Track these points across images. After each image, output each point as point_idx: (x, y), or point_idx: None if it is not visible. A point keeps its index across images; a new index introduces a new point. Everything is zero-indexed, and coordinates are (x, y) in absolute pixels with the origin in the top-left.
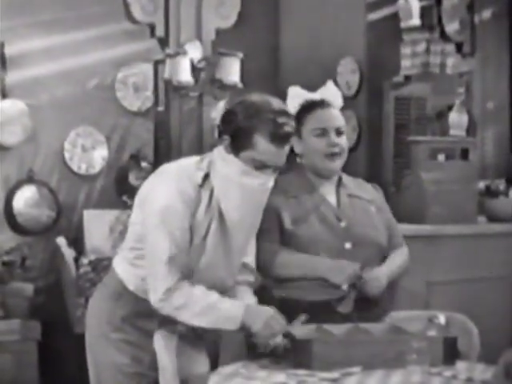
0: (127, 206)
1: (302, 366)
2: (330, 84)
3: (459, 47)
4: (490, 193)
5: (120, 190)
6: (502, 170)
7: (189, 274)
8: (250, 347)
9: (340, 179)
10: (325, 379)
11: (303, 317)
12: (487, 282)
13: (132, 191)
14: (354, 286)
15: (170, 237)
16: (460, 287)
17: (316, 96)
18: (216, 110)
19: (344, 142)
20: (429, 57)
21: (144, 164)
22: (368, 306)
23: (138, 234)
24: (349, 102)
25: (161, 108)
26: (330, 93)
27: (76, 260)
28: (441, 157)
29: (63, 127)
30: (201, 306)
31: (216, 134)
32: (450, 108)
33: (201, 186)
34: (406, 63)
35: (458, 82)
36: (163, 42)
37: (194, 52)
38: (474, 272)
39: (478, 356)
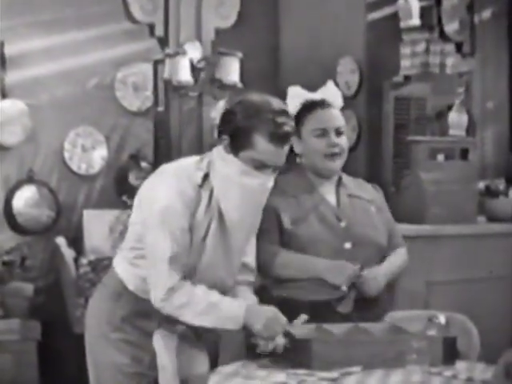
0: (127, 206)
1: (302, 366)
2: (330, 84)
3: (459, 47)
4: (489, 193)
5: (120, 189)
6: (501, 169)
7: (190, 274)
8: (250, 347)
9: (340, 179)
10: (324, 379)
11: (304, 317)
12: (487, 282)
13: (132, 191)
14: (354, 286)
15: (171, 236)
16: (460, 287)
17: (316, 96)
18: (216, 110)
19: (344, 142)
20: (428, 57)
21: (144, 164)
22: (368, 305)
23: (138, 233)
24: (348, 102)
25: (160, 108)
26: (331, 93)
27: (76, 260)
28: (440, 157)
29: (63, 127)
30: (202, 306)
31: (215, 134)
32: (449, 108)
33: (200, 186)
34: (405, 63)
35: (457, 82)
36: (163, 42)
37: (194, 52)
38: (473, 272)
39: (477, 356)
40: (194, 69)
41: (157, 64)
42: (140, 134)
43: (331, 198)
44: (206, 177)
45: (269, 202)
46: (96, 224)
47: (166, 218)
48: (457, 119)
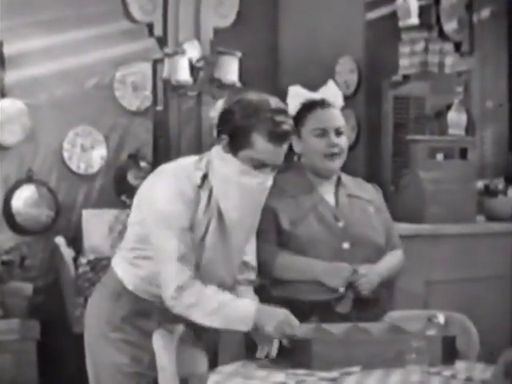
0: (126, 206)
1: (302, 366)
2: (330, 83)
3: (458, 46)
4: (488, 192)
5: (119, 189)
6: (500, 169)
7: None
8: (249, 347)
9: (339, 179)
10: (324, 379)
11: (313, 319)
12: (486, 282)
13: (131, 191)
14: (351, 287)
15: (175, 236)
16: (459, 286)
17: (317, 95)
18: (215, 110)
19: (344, 142)
20: (427, 56)
21: (143, 163)
22: (367, 305)
23: (137, 234)
24: (347, 102)
25: (159, 107)
26: (331, 92)
27: (75, 260)
28: (439, 156)
29: (62, 127)
30: (212, 306)
31: (214, 134)
32: (448, 107)
33: (199, 186)
34: (404, 62)
35: (456, 81)
36: (162, 42)
37: (193, 51)
38: (473, 271)
39: (477, 355)
40: (193, 68)
41: (156, 63)
42: (139, 134)
43: (330, 198)
44: (205, 177)
45: (267, 202)
46: (95, 223)
47: (167, 218)
48: (456, 118)
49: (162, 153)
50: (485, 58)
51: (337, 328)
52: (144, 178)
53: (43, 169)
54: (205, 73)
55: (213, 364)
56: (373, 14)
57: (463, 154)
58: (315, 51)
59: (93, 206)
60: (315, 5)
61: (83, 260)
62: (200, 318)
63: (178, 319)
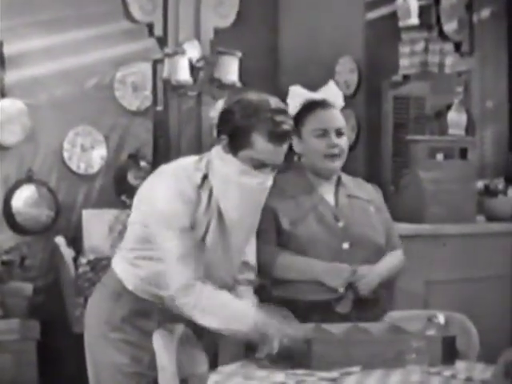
0: (126, 206)
1: (302, 366)
2: (331, 84)
3: (458, 46)
4: (488, 192)
5: (119, 189)
6: (500, 169)
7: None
8: (249, 347)
9: (339, 179)
10: (324, 379)
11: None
12: (486, 282)
13: (131, 191)
14: (351, 287)
15: (178, 236)
16: (459, 286)
17: (317, 96)
18: (215, 110)
19: (344, 142)
20: (427, 56)
21: (143, 163)
22: (367, 306)
23: (137, 234)
24: (347, 102)
25: (159, 107)
26: (332, 93)
27: (75, 259)
28: (439, 156)
29: (62, 127)
30: (212, 305)
31: (214, 134)
32: (448, 107)
33: (199, 187)
34: (404, 62)
35: (456, 81)
36: (162, 42)
37: (193, 51)
38: (473, 271)
39: (477, 355)
40: (193, 68)
41: (156, 63)
42: (139, 134)
43: (330, 198)
44: (205, 177)
45: (267, 202)
46: (95, 223)
47: (167, 219)
48: (456, 118)
49: (162, 153)
50: (485, 58)
51: (337, 328)
52: (144, 178)
53: (43, 169)
54: (205, 73)
55: (213, 364)
56: (373, 14)
57: (463, 153)
58: (315, 51)
59: (93, 205)
60: (315, 5)
61: (83, 260)
62: (200, 317)
63: (178, 319)
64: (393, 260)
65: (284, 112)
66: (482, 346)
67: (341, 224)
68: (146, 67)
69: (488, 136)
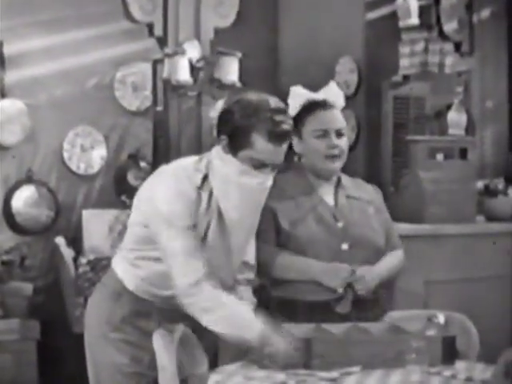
0: (126, 206)
1: (302, 366)
2: (332, 84)
3: (458, 46)
4: (488, 192)
5: (119, 189)
6: (500, 169)
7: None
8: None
9: (339, 180)
10: (324, 379)
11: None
12: (486, 282)
13: (131, 191)
14: (350, 287)
15: (179, 235)
16: (459, 286)
17: (318, 96)
18: (214, 110)
19: (344, 143)
20: (427, 56)
21: (143, 164)
22: (366, 306)
23: (137, 234)
24: (347, 102)
25: (159, 107)
26: (333, 93)
27: (75, 260)
28: (439, 156)
29: (62, 127)
30: (221, 309)
31: (214, 134)
32: (448, 107)
33: (200, 187)
34: (404, 62)
35: (456, 82)
36: (162, 42)
37: (193, 51)
38: (472, 271)
39: (477, 355)
40: (193, 68)
41: (156, 64)
42: (139, 134)
43: (329, 199)
44: (205, 178)
45: (267, 202)
46: (95, 224)
47: (168, 219)
48: (456, 118)
49: (162, 153)
50: (485, 58)
51: (337, 328)
52: (144, 178)
53: (43, 169)
54: (205, 73)
55: (213, 364)
56: (373, 14)
57: (463, 154)
58: (315, 51)
59: (93, 206)
60: (315, 5)
61: (83, 260)
62: (204, 319)
63: (178, 319)
64: (393, 260)
65: (284, 112)
66: (482, 346)
67: (340, 224)
68: (146, 67)
69: (488, 136)
